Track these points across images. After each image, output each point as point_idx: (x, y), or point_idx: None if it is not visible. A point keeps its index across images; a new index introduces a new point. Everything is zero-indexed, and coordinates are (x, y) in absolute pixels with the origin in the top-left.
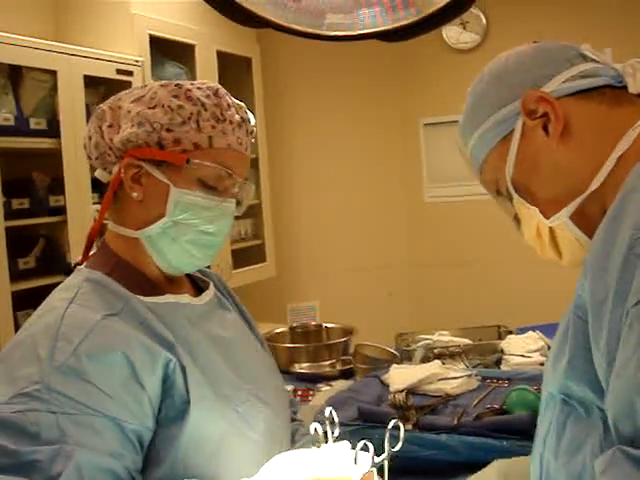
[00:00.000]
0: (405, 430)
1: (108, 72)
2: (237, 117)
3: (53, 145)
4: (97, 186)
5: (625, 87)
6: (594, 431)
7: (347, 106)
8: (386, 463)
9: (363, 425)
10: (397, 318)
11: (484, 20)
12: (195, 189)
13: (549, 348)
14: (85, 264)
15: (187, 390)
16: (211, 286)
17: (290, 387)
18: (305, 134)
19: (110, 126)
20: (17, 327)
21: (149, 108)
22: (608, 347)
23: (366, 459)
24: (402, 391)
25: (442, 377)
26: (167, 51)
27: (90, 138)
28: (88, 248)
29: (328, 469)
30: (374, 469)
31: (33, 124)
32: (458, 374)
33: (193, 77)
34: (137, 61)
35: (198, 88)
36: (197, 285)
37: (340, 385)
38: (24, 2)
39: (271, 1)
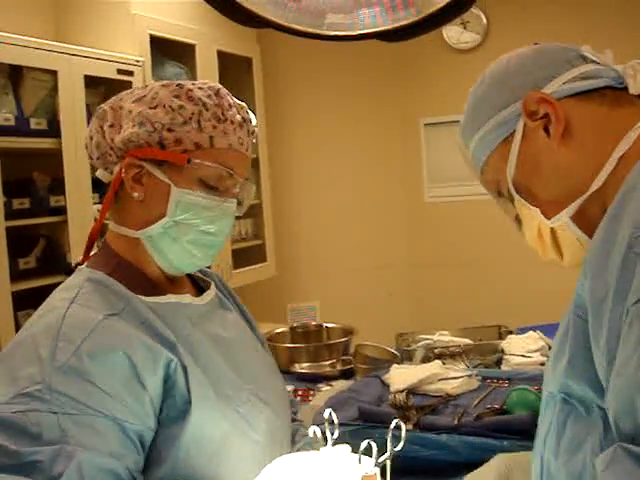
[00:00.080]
0: (406, 430)
1: (108, 72)
2: (238, 117)
3: (53, 145)
4: (97, 186)
5: (626, 88)
6: (594, 430)
7: (347, 106)
8: (388, 463)
9: (363, 425)
10: (397, 318)
11: (485, 20)
12: (196, 189)
13: (549, 348)
14: (86, 264)
15: (188, 390)
16: (212, 286)
17: (290, 387)
18: (305, 134)
19: (111, 126)
20: (17, 327)
21: (150, 108)
22: (608, 346)
23: (367, 462)
24: (402, 391)
25: (442, 377)
26: (167, 51)
27: (91, 138)
28: (89, 248)
29: (328, 472)
30: (377, 469)
31: (33, 124)
32: (458, 374)
33: (193, 77)
34: (137, 61)
35: (199, 88)
36: (198, 285)
37: (340, 385)
38: (24, 2)
39: (271, 1)
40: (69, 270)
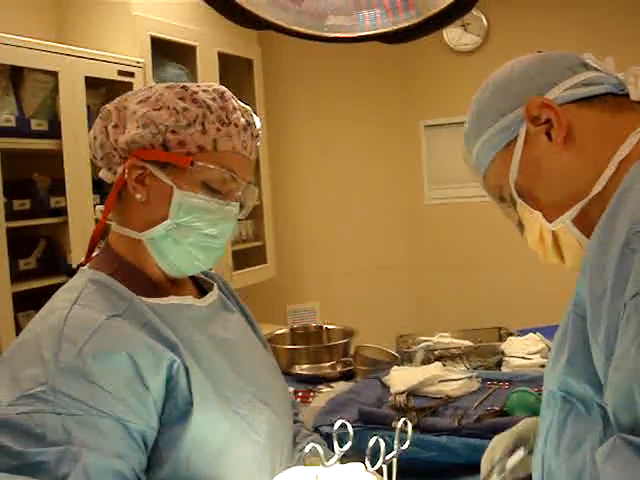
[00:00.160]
0: (406, 431)
1: (109, 73)
2: (242, 120)
3: (54, 146)
4: (98, 187)
5: (627, 95)
6: (594, 428)
7: (348, 108)
8: (395, 461)
9: (364, 427)
10: (397, 320)
11: (485, 22)
12: (199, 192)
13: (549, 350)
14: (88, 265)
15: (190, 391)
16: (215, 288)
17: (290, 388)
18: (306, 135)
19: (115, 126)
20: (18, 328)
21: (155, 109)
22: (606, 341)
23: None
24: (403, 393)
25: (443, 379)
26: (168, 52)
27: (95, 138)
28: (91, 249)
29: None
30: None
31: (34, 125)
32: (459, 376)
33: (194, 78)
34: (138, 62)
35: (204, 90)
36: (201, 287)
37: (340, 387)
38: (25, 3)
39: (272, 3)
40: (71, 271)
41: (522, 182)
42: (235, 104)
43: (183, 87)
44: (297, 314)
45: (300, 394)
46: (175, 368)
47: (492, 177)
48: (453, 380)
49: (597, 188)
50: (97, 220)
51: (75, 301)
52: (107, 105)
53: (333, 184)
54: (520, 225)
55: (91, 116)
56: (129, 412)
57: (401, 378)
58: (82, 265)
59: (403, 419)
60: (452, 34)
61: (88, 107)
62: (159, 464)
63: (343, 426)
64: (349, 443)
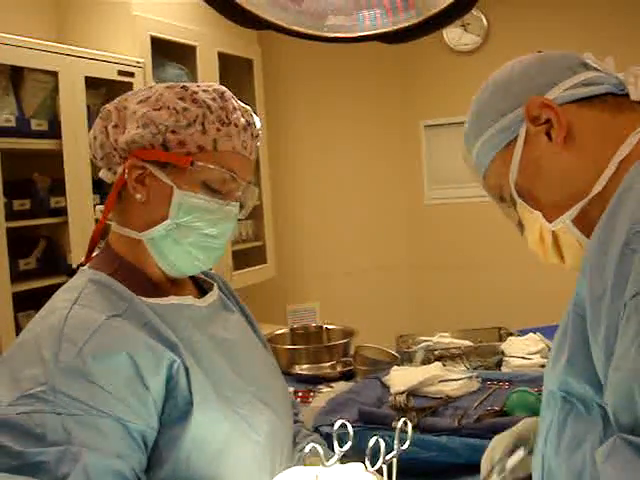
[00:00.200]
0: (407, 431)
1: (109, 73)
2: (242, 120)
3: (54, 146)
4: (98, 187)
5: (627, 95)
6: (594, 428)
7: (348, 108)
8: (395, 461)
9: (364, 427)
10: (397, 320)
11: (485, 22)
12: (199, 192)
13: (549, 350)
14: (88, 265)
15: (190, 391)
16: (215, 288)
17: (290, 388)
18: (306, 135)
19: (115, 126)
20: (18, 328)
21: (155, 109)
22: (606, 341)
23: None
24: (403, 393)
25: (443, 379)
26: (168, 52)
27: (95, 138)
28: (91, 249)
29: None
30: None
31: (34, 125)
32: (459, 376)
33: (194, 78)
34: (138, 62)
35: (204, 90)
36: (201, 287)
37: (340, 387)
38: (25, 3)
39: (272, 3)
40: (71, 271)
41: (522, 182)
42: (235, 104)
43: (183, 87)
44: (297, 314)
45: (300, 394)
46: (175, 368)
47: (492, 177)
48: (453, 380)
49: (597, 188)
50: (97, 220)
51: (75, 301)
52: (107, 105)
53: (333, 184)
54: (520, 225)
55: (91, 116)
56: (129, 412)
57: (401, 378)
58: (82, 265)
59: (403, 419)
60: (452, 34)
61: (88, 107)
62: (159, 464)
63: (343, 426)
64: (349, 443)
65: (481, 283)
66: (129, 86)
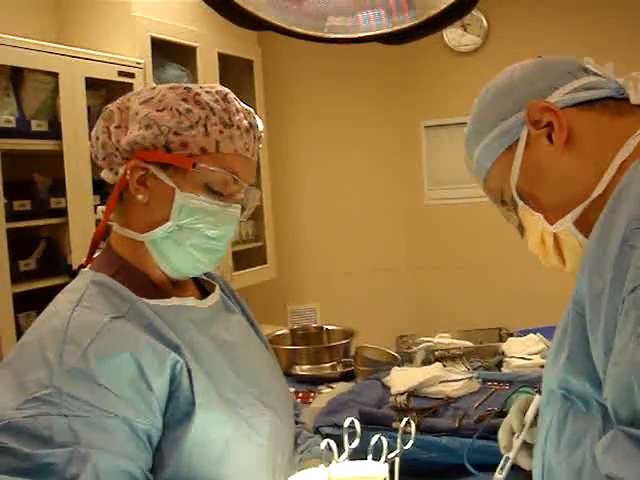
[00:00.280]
0: (406, 432)
1: (109, 74)
2: (245, 122)
3: (54, 147)
4: (98, 188)
5: (627, 98)
6: (594, 425)
7: (348, 108)
8: (397, 460)
9: (364, 428)
10: (398, 320)
11: (485, 22)
12: (200, 193)
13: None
14: (90, 266)
15: (192, 392)
16: (217, 289)
17: (291, 389)
18: (306, 136)
19: (118, 127)
20: (18, 329)
21: (157, 110)
22: (605, 336)
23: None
24: (403, 393)
25: (443, 379)
26: (168, 53)
27: (97, 138)
28: (93, 250)
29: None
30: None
31: (35, 126)
32: (459, 376)
33: (194, 79)
34: (138, 63)
35: (207, 92)
36: (202, 288)
37: (341, 387)
38: (25, 4)
39: (272, 3)
40: (72, 272)
41: (523, 185)
42: (238, 106)
43: (186, 88)
44: (297, 315)
45: (300, 395)
46: (178, 369)
47: (493, 180)
48: (453, 381)
49: (598, 190)
50: (98, 221)
51: (78, 303)
52: (109, 105)
53: (333, 184)
54: (520, 228)
55: (91, 117)
56: (135, 412)
57: (401, 379)
58: (83, 266)
59: (406, 419)
60: (452, 35)
61: (88, 108)
62: (161, 466)
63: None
64: (357, 440)
65: (481, 283)
66: (129, 87)
